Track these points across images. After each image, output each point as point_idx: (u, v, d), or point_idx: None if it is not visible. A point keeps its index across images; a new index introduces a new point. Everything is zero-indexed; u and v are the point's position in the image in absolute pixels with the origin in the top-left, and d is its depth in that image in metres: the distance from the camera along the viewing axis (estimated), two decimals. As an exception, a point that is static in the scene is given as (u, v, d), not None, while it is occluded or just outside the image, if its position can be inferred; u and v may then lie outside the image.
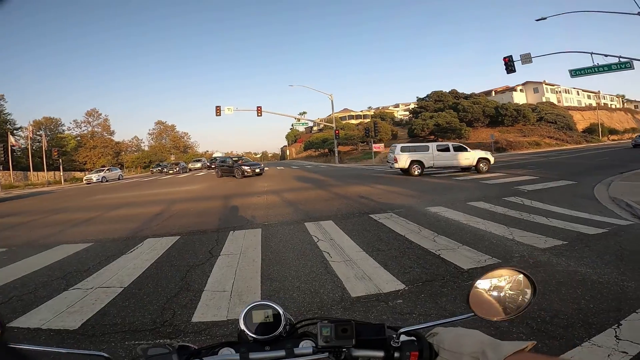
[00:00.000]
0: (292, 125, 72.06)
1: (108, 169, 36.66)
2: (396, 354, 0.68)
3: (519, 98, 58.82)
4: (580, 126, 53.53)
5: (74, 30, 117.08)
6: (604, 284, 3.37)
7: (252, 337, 0.73)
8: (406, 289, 3.47)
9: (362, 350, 0.70)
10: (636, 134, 34.96)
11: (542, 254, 4.34)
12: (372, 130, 33.98)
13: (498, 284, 0.75)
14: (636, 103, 79.28)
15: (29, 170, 39.31)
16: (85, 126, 58.41)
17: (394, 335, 0.70)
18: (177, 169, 37.39)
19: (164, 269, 4.45)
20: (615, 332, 2.51)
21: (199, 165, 41.61)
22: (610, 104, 71.40)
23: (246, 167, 20.68)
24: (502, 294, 0.74)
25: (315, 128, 70.33)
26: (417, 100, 54.10)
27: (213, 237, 5.94)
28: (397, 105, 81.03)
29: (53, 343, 2.77)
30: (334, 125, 34.78)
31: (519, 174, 14.07)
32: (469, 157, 16.12)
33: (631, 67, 12.19)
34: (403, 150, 15.74)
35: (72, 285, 4.00)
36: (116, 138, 61.70)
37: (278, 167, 30.16)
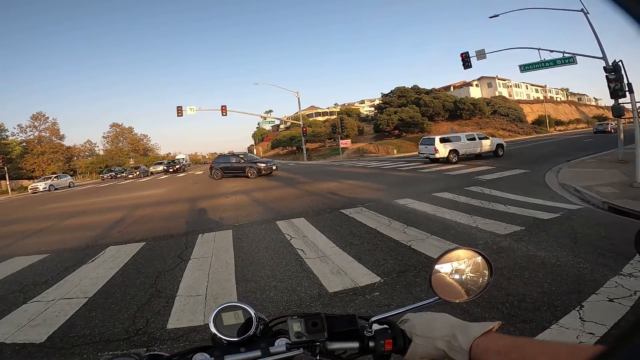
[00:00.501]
0: (259, 124, 70.89)
1: (57, 176, 33.79)
2: (371, 344, 0.68)
3: (475, 92, 61.96)
4: (530, 118, 57.41)
5: (14, 29, 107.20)
6: (562, 267, 3.63)
7: (226, 339, 0.71)
8: (382, 281, 3.55)
9: (337, 343, 0.70)
10: (582, 125, 38.00)
11: (503, 240, 4.62)
12: (339, 126, 34.33)
13: (458, 267, 0.76)
14: (579, 96, 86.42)
15: (-28, 180, 35.54)
16: (31, 131, 53.39)
17: (366, 325, 0.70)
18: (138, 172, 35.43)
19: (130, 277, 4.26)
20: (579, 313, 2.70)
21: (160, 168, 40.08)
22: (556, 97, 77.20)
23: (262, 164, 17.95)
24: (462, 276, 0.76)
25: (282, 126, 69.75)
26: (382, 96, 55.27)
27: (181, 241, 5.73)
28: (362, 102, 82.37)
29: (20, 358, 2.63)
30: (301, 122, 34.70)
31: (478, 164, 14.88)
32: (490, 144, 18.52)
33: (574, 62, 13.22)
34: (442, 141, 17.43)
35: (31, 298, 3.77)
36: (67, 142, 57.26)
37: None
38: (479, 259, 0.76)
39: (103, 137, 67.96)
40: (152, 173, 37.89)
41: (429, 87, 54.16)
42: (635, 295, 2.92)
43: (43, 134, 53.85)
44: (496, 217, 5.77)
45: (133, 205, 11.30)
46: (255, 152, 64.54)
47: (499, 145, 18.59)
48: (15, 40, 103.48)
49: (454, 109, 48.00)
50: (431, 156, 17.76)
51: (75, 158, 58.76)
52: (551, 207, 6.28)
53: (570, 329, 2.50)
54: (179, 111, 29.59)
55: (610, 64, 10.02)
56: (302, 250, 4.75)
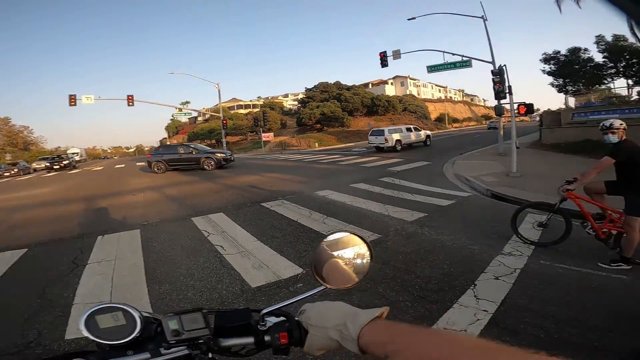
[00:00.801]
0: (173, 116, 65.29)
1: None
2: (266, 338, 0.67)
3: (390, 90, 66.98)
4: (433, 116, 64.51)
5: None
6: (457, 249, 4.14)
7: (107, 343, 0.65)
8: (304, 272, 3.60)
9: (230, 339, 0.68)
10: (472, 122, 43.96)
11: (410, 226, 5.11)
12: (262, 119, 33.60)
13: (340, 253, 0.76)
14: (472, 96, 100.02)
15: None
16: None
17: (258, 319, 0.68)
18: (16, 170, 29.35)
19: (10, 288, 3.69)
20: (474, 292, 3.07)
21: (45, 164, 34.11)
22: (454, 97, 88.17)
23: (220, 155, 16.46)
24: (345, 262, 0.76)
25: (200, 118, 65.43)
26: (306, 90, 55.93)
27: (76, 245, 4.99)
28: (286, 95, 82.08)
29: None
30: (221, 115, 32.89)
31: (390, 157, 16.18)
32: (422, 135, 22.73)
33: (470, 65, 15.17)
34: (390, 132, 20.45)
35: None
36: None
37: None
38: (359, 242, 0.77)
39: (-35, 130, 54.57)
40: (35, 170, 31.93)
41: (350, 84, 56.62)
42: (515, 272, 3.42)
43: None
44: (405, 205, 6.36)
45: (11, 208, 9.36)
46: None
47: (428, 136, 23.20)
48: None
49: (371, 105, 51.15)
50: (381, 145, 20.23)
51: None
52: (448, 194, 7.17)
53: (469, 307, 2.82)
54: (72, 100, 25.11)
55: (497, 68, 11.68)
56: (221, 246, 4.56)
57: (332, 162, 16.24)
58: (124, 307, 0.66)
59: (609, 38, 22.61)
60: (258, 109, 57.07)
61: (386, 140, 20.02)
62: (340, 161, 16.16)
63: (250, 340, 0.67)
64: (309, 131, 45.77)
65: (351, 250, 0.77)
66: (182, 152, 17.01)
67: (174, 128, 70.18)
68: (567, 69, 24.60)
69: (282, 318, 0.69)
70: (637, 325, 2.48)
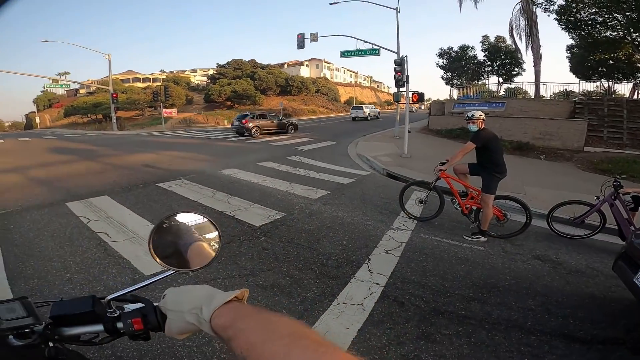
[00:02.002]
0: (46, 87, 53.41)
1: None
2: (118, 324, 0.65)
3: (305, 72, 67.19)
4: (343, 99, 67.40)
5: None
6: (355, 225, 4.42)
7: None
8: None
9: (75, 328, 0.65)
10: (378, 107, 47.70)
11: (314, 204, 5.30)
12: (162, 94, 30.14)
13: (196, 234, 0.75)
14: (378, 83, 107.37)
15: None
16: None
17: (105, 305, 0.66)
18: None
19: None
20: (368, 266, 3.30)
21: None
22: (363, 83, 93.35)
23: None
24: (192, 243, 0.75)
25: (82, 90, 55.22)
26: (217, 66, 52.16)
27: None
28: (195, 70, 75.17)
29: None
30: (110, 87, 28.34)
31: (300, 136, 16.43)
32: (375, 111, 32.86)
33: (378, 53, 16.04)
34: (365, 108, 31.42)
35: None
36: None
37: (20, 139, 22.00)
38: (205, 221, 0.77)
39: None
40: None
41: (265, 63, 54.87)
42: (402, 246, 3.80)
43: None
44: (310, 183, 6.56)
45: None
46: (38, 121, 48.87)
47: (378, 113, 34.37)
48: None
49: (285, 85, 50.62)
50: (359, 117, 31.61)
51: None
52: (350, 173, 7.66)
53: (364, 281, 3.04)
54: None
55: (399, 59, 12.63)
56: (105, 233, 4.02)
57: (241, 140, 15.70)
58: None
59: (492, 38, 26.78)
60: (159, 83, 51.06)
61: (364, 113, 32.25)
62: (249, 139, 15.72)
63: (99, 327, 0.65)
64: (218, 108, 43.12)
65: (199, 231, 0.76)
66: (273, 118, 18.88)
67: (46, 101, 57.86)
68: (456, 64, 28.32)
69: (138, 304, 0.67)
70: (490, 293, 2.97)
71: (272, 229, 4.23)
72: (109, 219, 4.50)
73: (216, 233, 0.76)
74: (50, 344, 0.63)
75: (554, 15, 17.68)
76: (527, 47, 20.42)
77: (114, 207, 5.05)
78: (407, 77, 12.23)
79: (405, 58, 12.34)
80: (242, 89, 43.74)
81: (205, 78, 63.39)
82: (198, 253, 0.74)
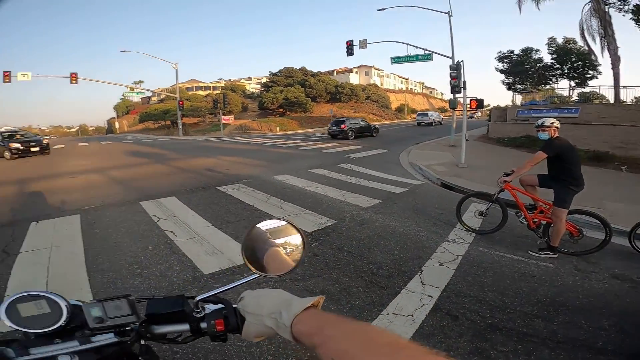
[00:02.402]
0: (124, 95, 60.40)
1: None
2: (202, 325, 0.67)
3: (354, 79, 67.40)
4: (394, 106, 66.19)
5: None
6: (407, 235, 4.31)
7: (31, 332, 0.63)
8: (259, 259, 3.57)
9: (164, 326, 0.67)
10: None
11: (365, 212, 5.24)
12: (222, 101, 32.30)
13: (274, 240, 0.77)
14: (431, 89, 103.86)
15: None
16: None
17: (193, 306, 0.68)
18: None
19: None
20: (420, 278, 3.21)
21: None
22: (414, 89, 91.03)
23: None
24: (280, 249, 0.77)
25: (154, 98, 61.27)
26: (270, 74, 54.54)
27: (6, 233, 4.50)
28: (249, 79, 79.49)
29: None
30: (177, 95, 31.14)
31: (350, 144, 16.41)
32: (438, 117, 34.27)
33: (431, 59, 15.65)
34: (430, 114, 34.09)
35: None
36: None
37: (103, 142, 24.99)
38: (292, 230, 0.78)
39: None
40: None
41: (315, 70, 56.25)
42: (458, 259, 3.64)
43: None
44: (361, 191, 6.51)
45: None
46: (117, 126, 55.00)
47: (441, 119, 34.80)
48: None
49: (334, 92, 51.22)
50: (424, 122, 33.24)
51: None
52: (402, 182, 7.46)
53: (416, 292, 2.95)
54: (6, 77, 22.50)
55: (455, 64, 12.16)
56: (171, 231, 4.37)
57: (293, 146, 16.12)
58: (48, 295, 0.64)
59: (560, 40, 24.58)
60: (218, 91, 54.73)
61: (429, 119, 33.59)
62: (300, 146, 16.10)
63: (185, 327, 0.67)
64: (271, 115, 44.88)
65: (286, 239, 0.77)
66: (361, 123, 21.10)
67: (124, 108, 65.21)
68: (518, 68, 26.35)
69: (220, 305, 0.69)
70: (557, 311, 2.73)
71: (323, 236, 4.27)
72: (175, 219, 4.89)
73: (300, 239, 0.77)
74: (142, 341, 0.66)
75: (630, 15, 15.77)
76: (602, 48, 18.36)
77: (180, 207, 5.48)
78: (464, 82, 11.66)
79: (461, 63, 11.80)
80: (293, 96, 45.08)
81: (258, 86, 66.50)
82: (281, 258, 0.76)
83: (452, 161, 10.42)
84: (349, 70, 68.50)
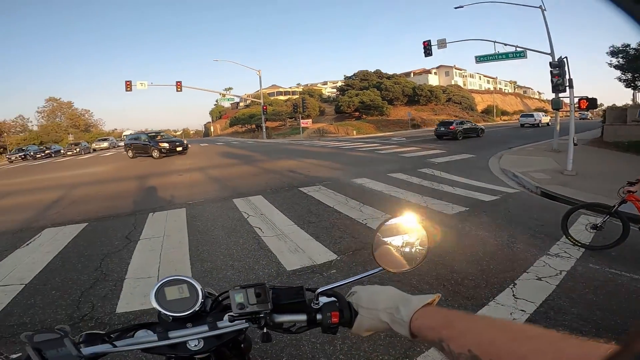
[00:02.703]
0: (217, 101, 67.91)
1: None
2: (318, 316, 0.68)
3: (433, 80, 64.14)
4: (480, 107, 60.93)
5: None
6: (499, 246, 3.95)
7: (171, 315, 0.69)
8: (338, 259, 3.64)
9: (284, 315, 0.70)
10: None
11: (450, 219, 4.93)
12: (301, 106, 33.94)
13: (398, 237, 0.76)
14: (525, 89, 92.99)
15: None
16: (-50, 107, 46.49)
17: (313, 297, 0.70)
18: (78, 149, 31.97)
19: (71, 260, 3.95)
20: (513, 291, 2.94)
21: (105, 144, 37.32)
22: (504, 89, 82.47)
23: (165, 144, 17.52)
24: (403, 246, 0.76)
25: (242, 104, 67.35)
26: (345, 78, 55.33)
27: (129, 221, 5.41)
28: (325, 83, 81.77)
29: None
30: (261, 101, 33.71)
31: (431, 148, 15.60)
32: (547, 119, 32.10)
33: (525, 56, 14.09)
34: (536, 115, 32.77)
35: None
36: (-5, 118, 50.76)
37: (201, 144, 28.36)
38: (419, 228, 0.76)
39: (37, 112, 61.15)
40: (94, 150, 34.94)
41: (390, 72, 55.15)
42: (561, 274, 3.23)
43: (-36, 109, 47.27)
44: (444, 197, 6.14)
45: (72, 184, 10.36)
46: (212, 130, 61.79)
47: (549, 120, 31.40)
48: None
49: (412, 94, 49.48)
50: (529, 124, 32.43)
51: (5, 134, 52.28)
52: (492, 190, 6.81)
53: (505, 305, 2.71)
54: (128, 86, 27.14)
55: (556, 60, 10.79)
56: (259, 228, 4.72)
57: (370, 150, 16.02)
58: (189, 281, 0.70)
59: None
60: (297, 96, 57.46)
61: (535, 120, 30.78)
62: (378, 150, 15.89)
63: (302, 317, 0.69)
64: (348, 119, 45.37)
65: (409, 235, 0.76)
66: (467, 124, 21.72)
67: (217, 113, 72.89)
68: (638, 62, 21.90)
69: (332, 298, 0.70)
70: None
71: (382, 225, 4.12)
72: (263, 216, 5.27)
73: (425, 236, 0.76)
74: (264, 330, 0.68)
75: None
76: None
77: (266, 206, 5.89)
78: (570, 80, 10.20)
79: (564, 60, 10.36)
80: (369, 99, 44.80)
81: (334, 90, 67.75)
82: (397, 257, 0.76)
83: (555, 168, 9.14)
84: (427, 72, 65.33)
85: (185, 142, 19.13)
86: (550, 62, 10.86)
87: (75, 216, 6.04)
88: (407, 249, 0.77)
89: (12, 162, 29.88)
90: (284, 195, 6.66)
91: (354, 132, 35.21)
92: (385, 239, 0.77)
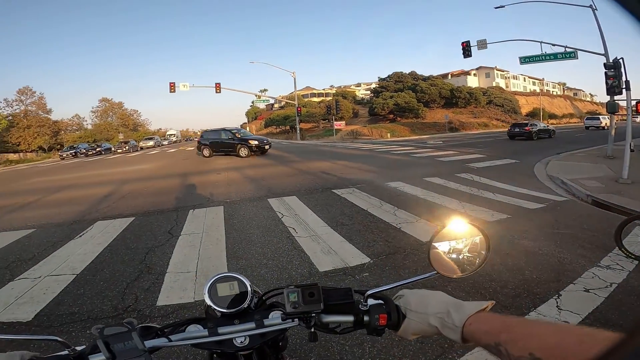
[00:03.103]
0: (253, 102, 69.90)
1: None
2: (365, 318, 0.68)
3: (472, 82, 61.70)
4: (524, 110, 57.54)
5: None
6: (543, 256, 3.72)
7: (220, 311, 0.71)
8: (371, 262, 3.60)
9: (332, 316, 0.70)
10: (574, 119, 39.11)
11: (490, 227, 4.69)
12: (334, 108, 34.04)
13: (455, 243, 0.76)
14: (575, 91, 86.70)
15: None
16: (17, 105, 52.07)
17: (362, 299, 0.70)
18: (127, 147, 34.39)
19: (119, 253, 4.21)
20: (557, 302, 2.78)
21: (151, 143, 39.82)
22: (552, 91, 77.46)
23: (254, 142, 16.51)
24: (459, 252, 0.75)
25: (276, 105, 68.84)
26: (379, 80, 54.83)
27: (172, 217, 5.69)
28: (358, 85, 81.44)
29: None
30: (296, 102, 34.30)
31: (470, 152, 14.97)
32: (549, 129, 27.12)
33: (575, 57, 13.16)
34: (602, 118, 29.98)
35: (17, 275, 3.68)
36: (55, 117, 56.06)
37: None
38: (477, 234, 0.75)
39: (92, 111, 66.74)
40: (142, 148, 37.35)
41: (426, 74, 53.79)
42: (611, 286, 3.00)
43: (29, 108, 52.66)
44: (483, 204, 5.87)
45: (122, 180, 11.14)
46: (248, 130, 63.71)
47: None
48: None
49: (450, 96, 47.90)
50: (594, 126, 31.47)
51: (63, 132, 57.42)
52: (537, 197, 6.41)
53: (547, 316, 2.58)
54: (172, 87, 28.81)
55: (611, 61, 10.04)
56: (293, 228, 4.78)
57: (405, 153, 15.70)
58: (240, 278, 0.73)
59: None
60: (331, 98, 57.65)
61: (601, 122, 28.05)
62: (413, 153, 15.54)
63: (349, 318, 0.69)
64: (382, 121, 44.80)
65: (466, 241, 0.76)
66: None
67: (253, 114, 75.02)
68: None
69: (379, 301, 0.70)
70: None
71: (437, 230, 3.99)
72: (297, 217, 5.34)
73: (484, 241, 0.74)
74: (312, 329, 0.69)
75: None
76: None
77: (300, 206, 5.96)
78: (627, 82, 9.40)
79: (620, 61, 9.57)
80: (404, 101, 43.92)
81: (368, 92, 67.16)
82: (448, 262, 0.75)
83: (608, 175, 8.42)
84: (466, 73, 62.91)
85: (269, 140, 18.51)
86: (604, 64, 10.12)
87: (124, 210, 6.47)
88: (462, 255, 0.76)
89: (63, 159, 31.81)
90: (318, 197, 6.70)
91: (388, 134, 34.70)
92: (440, 244, 0.76)
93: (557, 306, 2.72)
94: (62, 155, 33.00)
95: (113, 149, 35.59)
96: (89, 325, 2.64)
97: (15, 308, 2.98)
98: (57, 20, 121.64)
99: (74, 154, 33.05)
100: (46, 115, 53.93)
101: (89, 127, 62.67)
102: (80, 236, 4.99)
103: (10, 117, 50.53)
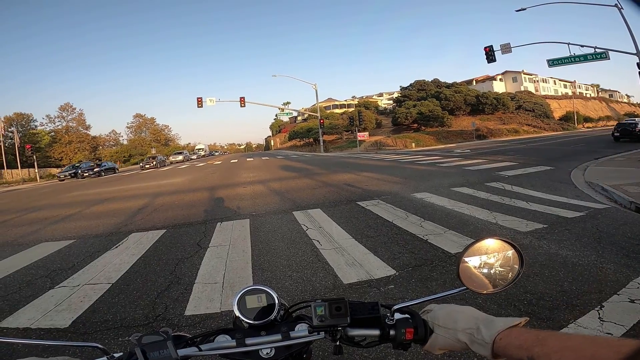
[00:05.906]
0: (276, 116, 71.53)
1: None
2: (391, 332, 0.68)
3: (499, 87, 60.00)
4: (557, 114, 55.09)
5: (44, 22, 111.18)
6: (584, 266, 3.51)
7: (248, 322, 0.72)
8: (397, 274, 3.53)
9: (358, 330, 0.70)
10: (612, 122, 36.76)
11: (524, 237, 4.49)
12: (357, 119, 34.12)
13: (486, 258, 0.74)
14: (610, 92, 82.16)
15: (3, 168, 37.22)
16: (59, 121, 56.48)
17: (388, 314, 0.70)
18: (154, 162, 33.01)
19: (151, 263, 4.37)
20: (599, 313, 2.62)
21: (180, 157, 41.43)
22: (585, 93, 73.75)
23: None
24: (490, 267, 0.74)
25: (299, 118, 69.92)
26: (401, 89, 54.51)
27: (200, 229, 5.87)
28: (380, 95, 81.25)
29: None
30: (318, 114, 34.73)
31: (499, 160, 14.42)
32: None
33: (607, 57, 12.60)
34: None
35: (57, 283, 3.90)
36: (92, 132, 60.12)
37: (263, 158, 29.97)
38: (509, 249, 0.74)
39: (127, 127, 70.81)
40: (171, 162, 38.89)
41: (450, 81, 52.90)
42: None
43: (70, 124, 56.79)
44: (517, 213, 5.62)
45: (154, 194, 11.64)
46: (272, 143, 65.01)
47: None
48: (41, 31, 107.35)
49: (475, 103, 46.74)
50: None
51: (101, 147, 61.18)
52: (576, 205, 6.05)
53: (588, 328, 2.45)
54: (199, 102, 30.03)
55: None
56: (317, 240, 4.78)
57: (431, 163, 15.37)
58: (268, 291, 0.75)
59: None
60: (353, 109, 57.88)
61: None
62: (439, 163, 15.18)
63: (375, 332, 0.70)
64: (405, 131, 44.29)
65: (497, 256, 0.74)
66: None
67: (276, 127, 76.54)
68: None
69: (406, 315, 0.70)
70: None
71: (468, 246, 3.85)
72: (321, 229, 5.34)
73: (516, 257, 0.73)
74: (337, 342, 0.69)
75: None
76: None
77: (324, 219, 5.96)
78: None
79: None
80: (427, 110, 43.26)
81: (390, 102, 66.77)
82: (490, 276, 0.74)
83: (655, 182, 7.83)
84: (492, 78, 61.31)
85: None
86: (637, 63, 9.57)
87: (157, 222, 6.74)
88: (494, 269, 0.74)
89: (62, 180, 28.25)
90: (342, 209, 6.68)
91: (413, 144, 34.19)
92: (470, 259, 0.75)
93: (599, 317, 2.57)
94: (83, 175, 28.65)
95: (140, 165, 33.23)
96: (121, 333, 2.74)
97: (54, 315, 3.13)
98: (94, 37, 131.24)
99: (73, 174, 29.06)
100: (86, 131, 57.86)
101: (125, 142, 66.39)
102: (117, 247, 5.24)
103: (52, 133, 54.63)
